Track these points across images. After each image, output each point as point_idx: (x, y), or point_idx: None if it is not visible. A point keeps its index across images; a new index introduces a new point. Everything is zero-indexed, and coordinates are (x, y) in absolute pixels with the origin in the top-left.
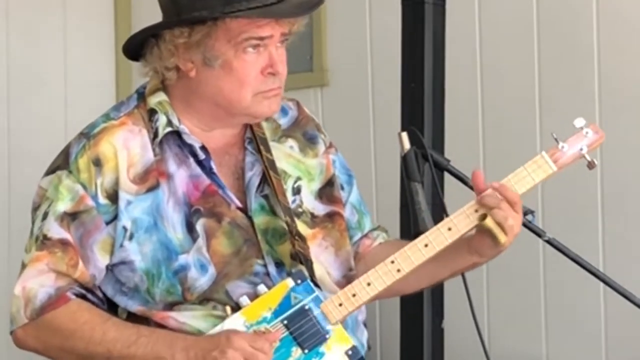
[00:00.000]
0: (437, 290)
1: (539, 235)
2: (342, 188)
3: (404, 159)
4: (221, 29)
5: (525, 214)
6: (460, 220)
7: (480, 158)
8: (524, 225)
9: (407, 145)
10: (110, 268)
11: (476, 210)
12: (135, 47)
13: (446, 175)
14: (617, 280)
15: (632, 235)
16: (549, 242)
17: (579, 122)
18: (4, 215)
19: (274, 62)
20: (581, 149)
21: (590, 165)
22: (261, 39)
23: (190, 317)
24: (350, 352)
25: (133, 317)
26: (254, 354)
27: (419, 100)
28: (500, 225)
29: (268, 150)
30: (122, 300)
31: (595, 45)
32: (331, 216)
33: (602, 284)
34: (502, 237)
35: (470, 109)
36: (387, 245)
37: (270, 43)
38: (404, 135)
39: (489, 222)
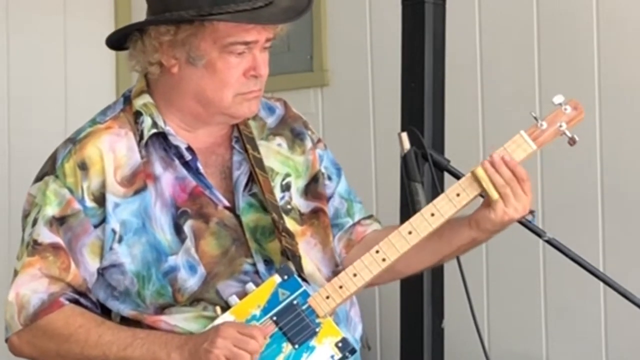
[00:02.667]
0: (437, 290)
1: (539, 235)
2: (330, 179)
3: (404, 159)
4: (208, 30)
5: None
6: (443, 205)
7: (480, 158)
8: (524, 225)
9: (407, 145)
10: (101, 272)
11: (458, 194)
12: (119, 40)
13: (446, 175)
14: (617, 280)
15: (632, 235)
16: (549, 242)
17: (558, 98)
18: (3, 216)
19: (257, 65)
20: (560, 126)
21: (571, 142)
22: (246, 43)
23: (181, 320)
24: (340, 344)
25: (126, 322)
26: (243, 339)
27: (419, 100)
28: (504, 200)
29: (255, 148)
30: (114, 305)
31: (595, 45)
32: (316, 212)
33: (602, 284)
34: (494, 194)
35: (470, 108)
36: (384, 231)
37: (255, 47)
38: (404, 135)
39: (479, 171)
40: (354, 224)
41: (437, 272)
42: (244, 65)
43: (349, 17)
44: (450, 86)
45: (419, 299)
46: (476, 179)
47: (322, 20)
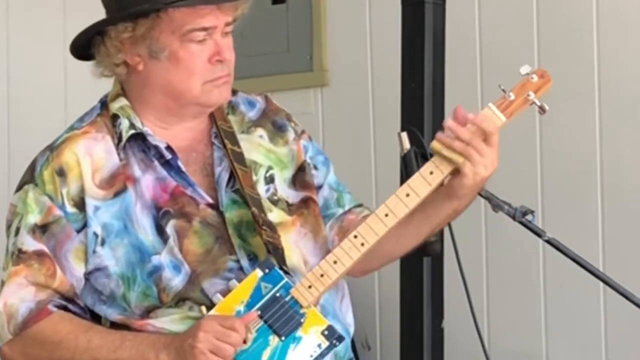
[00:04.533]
0: (437, 290)
1: (539, 235)
2: (316, 168)
3: (404, 159)
4: (165, 21)
5: (525, 214)
6: (417, 185)
7: None
8: (524, 225)
9: (407, 145)
10: (87, 277)
11: (431, 172)
12: (83, 47)
13: None
14: (617, 280)
15: (632, 235)
16: (549, 242)
17: (525, 69)
18: (3, 215)
19: (220, 50)
20: (528, 95)
21: (541, 110)
22: (205, 29)
23: (168, 322)
24: (326, 332)
25: (115, 327)
26: (224, 332)
27: (419, 100)
28: (470, 161)
29: (235, 143)
30: (101, 310)
31: (595, 45)
32: (305, 202)
33: (602, 284)
34: (458, 158)
35: (470, 108)
36: None
37: (215, 32)
38: (404, 135)
39: (435, 145)
40: (345, 212)
41: (437, 272)
42: (207, 52)
43: (349, 17)
44: (450, 86)
45: (419, 299)
46: (438, 152)
47: (322, 20)
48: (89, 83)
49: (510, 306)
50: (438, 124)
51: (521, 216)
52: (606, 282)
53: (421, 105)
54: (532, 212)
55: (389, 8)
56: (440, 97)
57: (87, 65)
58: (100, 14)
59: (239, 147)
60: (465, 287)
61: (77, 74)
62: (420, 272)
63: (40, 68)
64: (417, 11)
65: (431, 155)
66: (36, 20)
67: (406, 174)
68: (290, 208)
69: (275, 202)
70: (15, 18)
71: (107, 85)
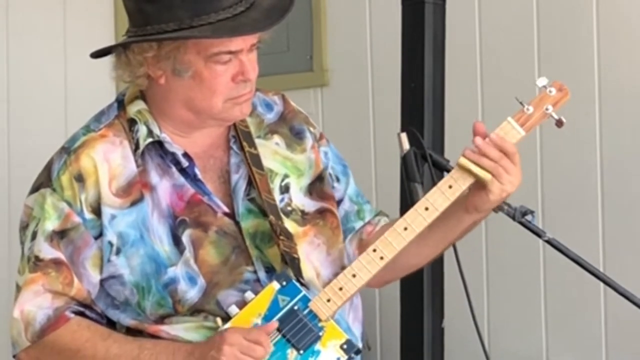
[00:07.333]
0: (437, 290)
1: (539, 235)
2: (338, 180)
3: (404, 159)
4: (191, 42)
5: (525, 214)
6: (436, 199)
7: None
8: (524, 225)
9: (406, 145)
10: (101, 282)
11: (450, 187)
12: (103, 54)
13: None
14: (617, 280)
15: (632, 235)
16: (549, 242)
17: (541, 81)
18: (3, 215)
19: (245, 70)
20: (547, 109)
21: (559, 124)
22: (231, 52)
23: (182, 330)
24: (345, 346)
25: (132, 332)
26: (250, 346)
27: (419, 100)
28: (498, 178)
29: (252, 144)
30: (114, 314)
31: (595, 44)
32: (322, 213)
33: (602, 284)
34: (486, 175)
35: (470, 109)
36: (389, 226)
37: (241, 53)
38: (403, 135)
39: (464, 162)
40: (364, 225)
41: (437, 272)
42: (231, 71)
43: (349, 17)
44: (450, 86)
45: (419, 299)
46: (464, 168)
47: (322, 20)
48: (89, 83)
49: (510, 306)
50: (438, 124)
51: (521, 216)
52: (606, 282)
53: (421, 105)
54: (532, 212)
55: (389, 8)
56: (440, 97)
57: (87, 65)
58: (100, 15)
59: (256, 148)
60: (465, 287)
61: (77, 74)
62: (420, 272)
63: (40, 68)
64: (417, 11)
65: (431, 156)
66: (36, 20)
67: (406, 174)
68: (304, 217)
69: (288, 213)
70: (15, 18)
71: (107, 86)
